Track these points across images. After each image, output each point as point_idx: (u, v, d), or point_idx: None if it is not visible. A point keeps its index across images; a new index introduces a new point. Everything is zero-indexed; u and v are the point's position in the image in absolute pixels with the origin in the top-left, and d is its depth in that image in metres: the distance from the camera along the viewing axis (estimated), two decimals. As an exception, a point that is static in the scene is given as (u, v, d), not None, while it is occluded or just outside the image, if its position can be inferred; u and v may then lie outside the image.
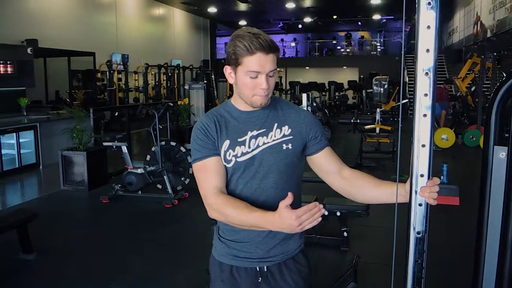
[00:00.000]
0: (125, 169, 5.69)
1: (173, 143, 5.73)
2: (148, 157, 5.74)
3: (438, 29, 1.18)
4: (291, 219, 1.25)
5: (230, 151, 1.48)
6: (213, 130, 1.50)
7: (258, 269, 1.54)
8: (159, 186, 5.74)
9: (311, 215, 1.25)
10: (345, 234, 3.98)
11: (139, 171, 5.56)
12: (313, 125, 1.57)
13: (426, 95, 1.23)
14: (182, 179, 5.75)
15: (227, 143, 1.49)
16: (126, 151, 5.61)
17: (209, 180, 1.47)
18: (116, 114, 13.46)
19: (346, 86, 19.81)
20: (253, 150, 1.48)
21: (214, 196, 1.44)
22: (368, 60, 23.39)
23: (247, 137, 1.49)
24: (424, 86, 1.22)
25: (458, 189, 5.22)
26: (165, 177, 5.51)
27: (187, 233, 4.73)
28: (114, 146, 5.68)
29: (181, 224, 4.99)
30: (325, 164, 1.56)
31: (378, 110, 8.99)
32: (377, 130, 8.41)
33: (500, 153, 1.29)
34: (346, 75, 22.64)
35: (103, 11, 14.99)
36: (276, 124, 1.52)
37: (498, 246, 1.29)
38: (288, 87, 20.51)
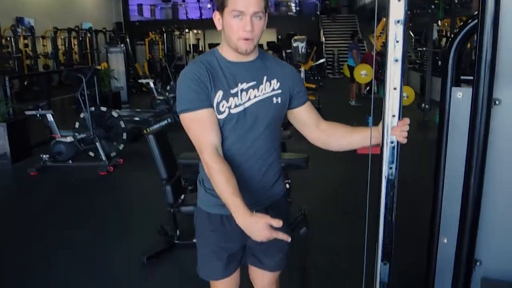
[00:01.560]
0: (52, 139, 5.41)
1: (103, 108, 5.53)
2: (77, 124, 5.49)
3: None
4: (265, 229, 1.35)
5: (224, 102, 1.50)
6: (206, 79, 1.49)
7: None
8: (91, 154, 5.55)
9: (276, 234, 1.38)
10: (288, 186, 4.17)
11: (68, 139, 5.32)
12: (298, 79, 1.66)
13: (397, 41, 1.35)
14: (116, 144, 5.60)
15: (220, 93, 1.50)
16: (52, 119, 5.31)
17: (206, 135, 1.48)
18: (26, 83, 12.53)
19: (265, 47, 19.99)
20: (245, 102, 1.52)
21: (211, 157, 1.45)
22: (285, 20, 23.64)
23: (238, 89, 1.52)
24: (396, 34, 1.34)
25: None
26: (97, 144, 5.33)
27: (127, 200, 4.68)
28: (38, 115, 5.33)
29: (120, 191, 4.91)
30: (305, 117, 1.67)
31: (302, 69, 9.25)
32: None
33: (457, 94, 1.47)
34: (264, 36, 22.67)
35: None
36: (265, 77, 1.57)
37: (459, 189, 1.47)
38: (207, 49, 20.24)
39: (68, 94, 11.02)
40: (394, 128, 1.43)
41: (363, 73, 9.55)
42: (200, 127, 1.49)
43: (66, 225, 3.92)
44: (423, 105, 8.20)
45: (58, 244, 3.55)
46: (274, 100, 1.57)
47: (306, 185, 4.58)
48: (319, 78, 15.39)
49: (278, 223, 1.35)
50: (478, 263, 1.56)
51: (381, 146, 1.48)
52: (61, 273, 3.11)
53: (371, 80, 11.30)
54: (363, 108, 8.75)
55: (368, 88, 11.15)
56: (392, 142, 1.45)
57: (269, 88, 1.57)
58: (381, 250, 1.67)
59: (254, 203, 1.60)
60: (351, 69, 10.21)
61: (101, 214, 4.16)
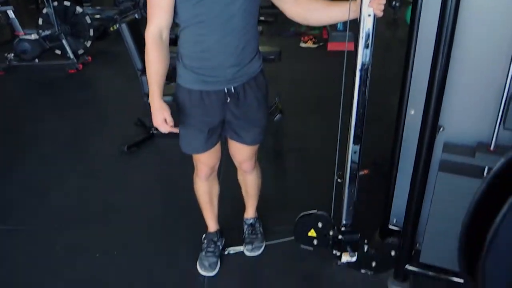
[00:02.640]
0: (16, 37, 5.16)
1: (67, 3, 5.23)
2: (40, 21, 5.23)
3: None
4: (163, 121, 1.63)
5: None
6: None
7: (226, 90, 1.70)
8: (58, 52, 5.36)
9: (167, 131, 1.66)
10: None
11: (33, 36, 5.09)
12: None
13: None
14: (82, 41, 5.40)
15: None
16: (14, 16, 5.03)
17: (158, 16, 1.56)
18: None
19: None
20: None
21: (153, 40, 1.57)
22: None
23: None
24: None
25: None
26: (63, 41, 5.13)
27: (100, 95, 4.67)
28: (-3, 11, 5.03)
29: (92, 87, 4.89)
30: None
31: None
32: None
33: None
34: None
35: None
36: None
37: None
38: None
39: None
40: (371, 1, 1.48)
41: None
42: (156, 5, 1.56)
43: (42, 118, 3.93)
44: (393, 3, 8.07)
45: (39, 135, 3.60)
46: None
47: (279, 78, 4.65)
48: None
49: (170, 121, 1.63)
50: (441, 129, 1.72)
51: (358, 19, 1.55)
52: (45, 162, 3.19)
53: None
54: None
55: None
56: (369, 15, 1.52)
57: None
58: (353, 135, 1.82)
59: (232, 79, 1.68)
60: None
61: (76, 108, 4.14)
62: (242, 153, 2.00)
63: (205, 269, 2.12)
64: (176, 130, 1.69)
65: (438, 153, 1.71)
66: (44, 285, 2.12)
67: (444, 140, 1.74)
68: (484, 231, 1.31)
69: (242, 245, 2.26)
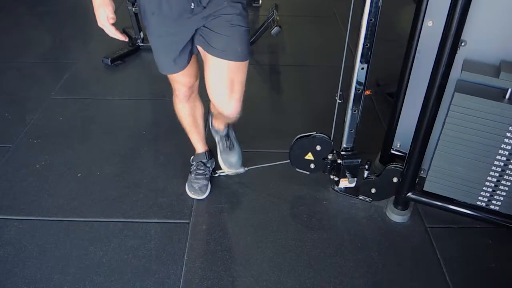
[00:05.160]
0: None
1: None
2: None
3: None
4: (105, 19, 1.39)
5: None
6: None
7: None
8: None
9: (113, 34, 1.44)
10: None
11: None
12: None
13: None
14: None
15: None
16: None
17: None
18: None
19: None
20: None
21: None
22: None
23: None
24: None
25: None
26: None
27: (81, 5, 4.28)
28: None
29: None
30: None
31: None
32: None
33: None
34: None
35: None
36: None
37: None
38: None
39: None
40: None
41: None
42: None
43: (21, 28, 3.63)
44: None
45: (19, 46, 3.34)
46: None
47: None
48: None
49: (111, 18, 1.39)
50: (463, 44, 1.51)
51: None
52: (24, 75, 2.96)
53: None
54: None
55: None
56: None
57: None
58: (360, 53, 1.60)
59: None
60: None
61: (56, 18, 3.83)
62: (220, 79, 1.58)
63: (195, 192, 1.99)
64: (122, 38, 1.45)
65: (455, 72, 1.51)
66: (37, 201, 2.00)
67: (465, 56, 1.53)
68: None
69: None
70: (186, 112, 1.89)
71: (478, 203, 1.69)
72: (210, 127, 2.04)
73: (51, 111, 2.60)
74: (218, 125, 1.99)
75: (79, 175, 2.13)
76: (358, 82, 1.69)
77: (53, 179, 2.11)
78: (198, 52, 1.63)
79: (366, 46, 1.58)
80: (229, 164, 2.02)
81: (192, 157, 2.09)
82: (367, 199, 1.95)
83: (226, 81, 1.58)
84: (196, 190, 1.99)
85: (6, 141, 2.34)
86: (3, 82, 2.90)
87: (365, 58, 1.62)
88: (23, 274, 1.66)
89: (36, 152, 2.28)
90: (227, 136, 2.01)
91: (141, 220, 1.89)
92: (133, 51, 3.16)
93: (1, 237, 1.81)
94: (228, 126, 1.99)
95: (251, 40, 2.97)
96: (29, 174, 2.13)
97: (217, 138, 2.04)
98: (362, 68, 1.64)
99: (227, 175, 2.09)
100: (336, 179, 1.94)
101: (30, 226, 1.86)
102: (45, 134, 2.41)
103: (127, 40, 1.44)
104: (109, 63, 3.01)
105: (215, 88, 1.62)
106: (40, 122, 2.51)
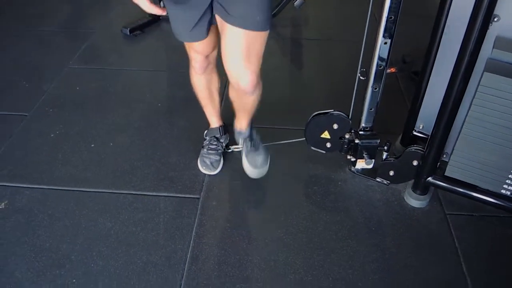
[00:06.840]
0: None
1: None
2: None
3: None
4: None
5: None
6: None
7: None
8: None
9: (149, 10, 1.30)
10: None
11: None
12: None
13: None
14: None
15: None
16: None
17: None
18: None
19: None
20: None
21: None
22: None
23: None
24: None
25: None
26: None
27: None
28: None
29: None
30: None
31: None
32: None
33: None
34: None
35: None
36: None
37: None
38: None
39: None
40: None
41: None
42: None
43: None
44: None
45: (36, 15, 3.31)
46: None
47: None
48: None
49: None
50: (495, 19, 1.39)
51: None
52: (42, 44, 2.95)
53: None
54: None
55: None
56: None
57: None
58: (384, 27, 1.49)
59: None
60: None
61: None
62: (236, 48, 1.47)
63: (206, 168, 1.95)
64: (160, 11, 1.31)
65: (486, 50, 1.39)
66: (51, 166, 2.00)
67: (497, 33, 1.42)
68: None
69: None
70: (202, 84, 1.83)
71: (503, 191, 1.59)
72: (234, 131, 1.97)
73: (68, 80, 2.59)
74: (240, 125, 1.90)
75: (92, 145, 2.12)
76: (380, 58, 1.59)
77: (66, 148, 2.10)
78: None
79: (390, 19, 1.48)
80: (255, 165, 1.85)
81: (205, 132, 2.04)
82: (385, 182, 1.87)
83: (243, 50, 1.46)
84: (208, 165, 1.94)
85: (22, 109, 2.34)
86: (22, 50, 2.90)
87: (388, 32, 1.52)
88: (32, 242, 1.66)
89: (51, 121, 2.27)
90: (251, 137, 1.92)
91: (151, 194, 1.87)
92: (153, 21, 3.10)
93: (13, 204, 1.82)
94: (251, 126, 1.91)
95: (273, 12, 2.87)
96: (43, 143, 2.13)
97: (240, 141, 1.95)
98: (385, 43, 1.54)
99: (240, 151, 2.03)
100: (353, 159, 1.87)
101: (42, 194, 1.86)
102: (61, 104, 2.39)
103: (165, 13, 1.35)
104: (128, 33, 2.96)
105: (230, 58, 1.51)
106: (57, 91, 2.50)
